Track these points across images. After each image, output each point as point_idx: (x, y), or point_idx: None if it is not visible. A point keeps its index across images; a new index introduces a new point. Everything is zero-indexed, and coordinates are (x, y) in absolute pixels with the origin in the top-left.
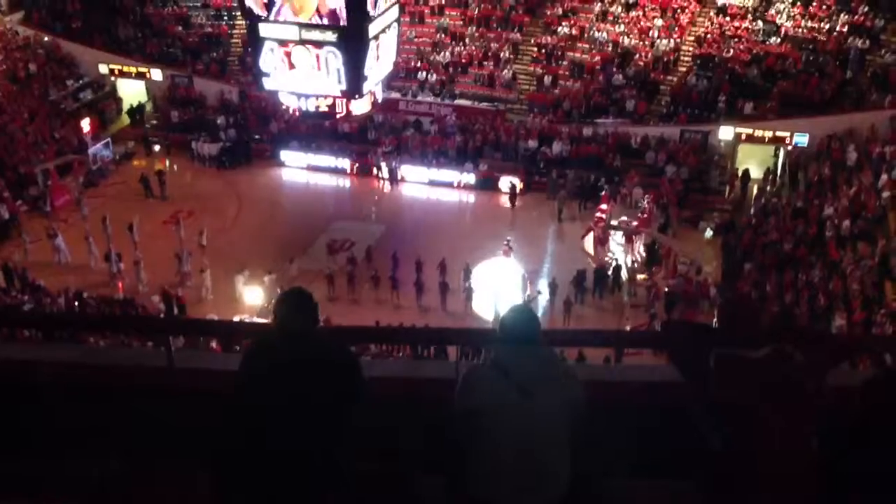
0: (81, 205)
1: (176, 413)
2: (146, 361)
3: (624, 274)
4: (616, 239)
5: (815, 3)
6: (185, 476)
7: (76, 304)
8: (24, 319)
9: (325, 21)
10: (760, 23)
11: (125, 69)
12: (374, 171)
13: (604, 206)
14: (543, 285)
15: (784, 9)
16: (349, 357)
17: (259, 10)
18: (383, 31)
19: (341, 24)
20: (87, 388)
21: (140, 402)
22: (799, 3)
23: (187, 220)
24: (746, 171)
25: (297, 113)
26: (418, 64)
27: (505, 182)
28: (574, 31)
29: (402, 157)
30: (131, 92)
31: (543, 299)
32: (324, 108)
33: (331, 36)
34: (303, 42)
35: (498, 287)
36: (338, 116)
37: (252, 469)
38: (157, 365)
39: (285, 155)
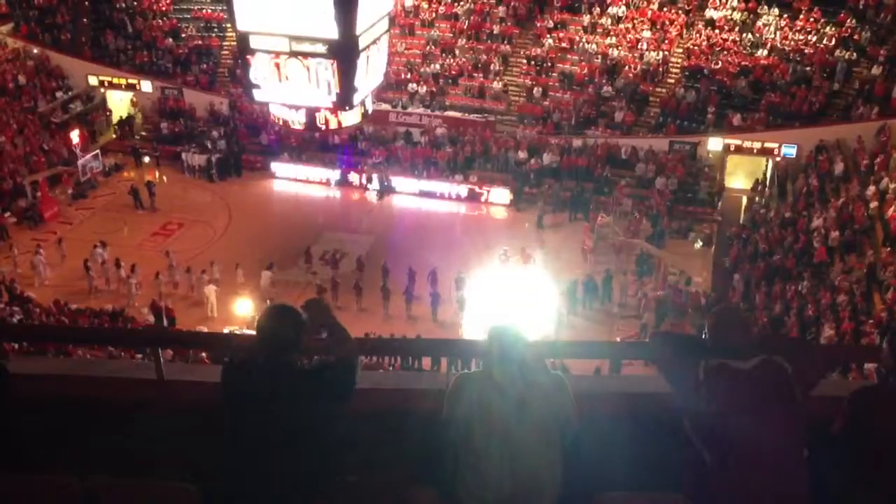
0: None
1: (165, 426)
2: (135, 374)
3: (614, 284)
4: (606, 249)
5: (802, 16)
6: (175, 489)
7: (60, 316)
8: (12, 332)
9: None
10: (748, 35)
11: (115, 81)
12: (364, 182)
13: (593, 217)
14: (533, 295)
15: (772, 21)
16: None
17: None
18: (374, 42)
19: (332, 36)
20: (74, 401)
21: (129, 415)
22: (786, 16)
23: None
24: (731, 187)
25: (280, 123)
26: (408, 75)
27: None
28: (563, 43)
29: (392, 168)
30: (121, 104)
31: (534, 310)
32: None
33: (321, 47)
34: (293, 53)
35: (489, 297)
36: (323, 129)
37: (240, 483)
38: (147, 377)
39: (276, 166)
